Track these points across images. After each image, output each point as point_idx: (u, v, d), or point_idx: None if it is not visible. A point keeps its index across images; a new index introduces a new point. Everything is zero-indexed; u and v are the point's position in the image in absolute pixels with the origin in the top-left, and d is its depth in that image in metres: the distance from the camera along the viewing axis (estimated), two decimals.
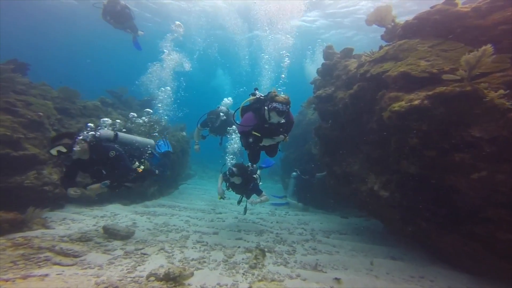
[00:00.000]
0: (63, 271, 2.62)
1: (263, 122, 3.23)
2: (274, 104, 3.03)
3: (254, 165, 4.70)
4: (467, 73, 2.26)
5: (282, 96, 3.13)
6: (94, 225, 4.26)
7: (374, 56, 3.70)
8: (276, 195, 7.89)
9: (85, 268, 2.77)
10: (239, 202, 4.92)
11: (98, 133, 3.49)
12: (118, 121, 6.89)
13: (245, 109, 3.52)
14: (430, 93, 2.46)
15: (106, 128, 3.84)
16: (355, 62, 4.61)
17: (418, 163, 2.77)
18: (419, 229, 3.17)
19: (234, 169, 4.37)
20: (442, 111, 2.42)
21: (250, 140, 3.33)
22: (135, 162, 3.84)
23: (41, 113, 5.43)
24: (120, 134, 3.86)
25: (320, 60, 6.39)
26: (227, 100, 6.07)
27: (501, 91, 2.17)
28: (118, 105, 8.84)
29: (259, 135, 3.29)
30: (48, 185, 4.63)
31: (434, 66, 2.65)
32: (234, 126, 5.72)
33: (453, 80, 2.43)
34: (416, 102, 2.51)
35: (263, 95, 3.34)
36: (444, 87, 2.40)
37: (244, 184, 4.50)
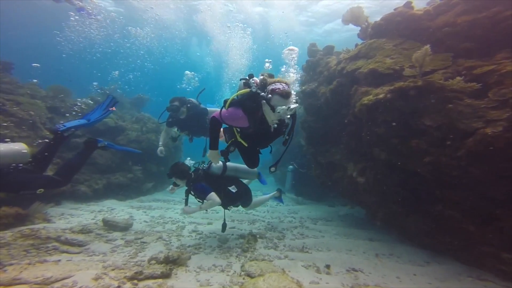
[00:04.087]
0: (72, 258, 2.86)
1: (262, 126, 2.41)
2: (272, 87, 2.23)
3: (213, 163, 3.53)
4: (418, 70, 2.63)
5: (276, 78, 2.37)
6: (93, 219, 4.46)
7: (350, 54, 4.04)
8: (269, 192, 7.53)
9: (91, 255, 3.01)
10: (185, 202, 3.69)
11: None
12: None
13: (233, 103, 2.61)
14: (391, 87, 2.82)
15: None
16: (335, 59, 4.94)
17: (387, 150, 3.14)
18: (390, 211, 3.56)
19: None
20: (402, 103, 2.79)
21: (231, 148, 2.70)
22: None
23: (32, 112, 5.49)
24: None
25: None
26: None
27: (458, 78, 2.56)
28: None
29: (246, 144, 2.59)
30: None
31: (397, 63, 3.01)
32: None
33: (411, 75, 2.79)
34: (381, 96, 2.87)
35: (259, 89, 2.36)
36: (402, 82, 2.77)
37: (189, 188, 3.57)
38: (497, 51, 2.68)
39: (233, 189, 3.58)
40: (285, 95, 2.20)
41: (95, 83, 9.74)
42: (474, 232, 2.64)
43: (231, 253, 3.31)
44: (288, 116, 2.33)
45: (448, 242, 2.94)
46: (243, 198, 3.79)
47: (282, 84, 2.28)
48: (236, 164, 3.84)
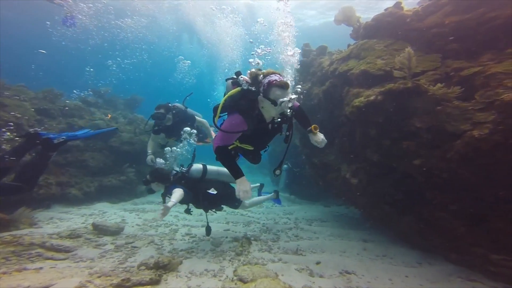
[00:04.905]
0: (56, 265, 2.76)
1: (260, 125, 2.23)
2: (267, 79, 2.08)
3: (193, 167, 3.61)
4: (408, 72, 2.62)
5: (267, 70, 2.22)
6: (83, 223, 4.37)
7: (342, 54, 4.03)
8: (267, 192, 7.52)
9: (78, 262, 2.91)
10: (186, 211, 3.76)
11: None
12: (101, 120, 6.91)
13: (228, 108, 2.33)
14: (382, 89, 2.81)
15: None
16: (327, 59, 4.93)
17: (379, 152, 3.13)
18: (383, 212, 3.56)
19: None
20: (392, 105, 2.78)
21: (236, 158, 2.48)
22: None
23: (18, 115, 5.36)
24: None
25: None
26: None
27: (439, 85, 2.58)
28: (101, 105, 8.76)
29: (251, 148, 2.42)
30: None
31: (387, 64, 3.00)
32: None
33: (401, 77, 2.79)
34: (371, 98, 2.86)
35: (251, 85, 2.17)
36: (392, 84, 2.76)
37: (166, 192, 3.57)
38: (483, 52, 2.69)
39: (212, 191, 3.48)
40: (284, 85, 2.05)
41: (90, 69, 9.50)
42: (464, 233, 2.66)
43: (224, 257, 3.26)
44: (289, 110, 2.14)
45: (440, 243, 2.96)
46: (225, 200, 3.65)
47: (277, 75, 2.13)
48: (218, 167, 3.70)
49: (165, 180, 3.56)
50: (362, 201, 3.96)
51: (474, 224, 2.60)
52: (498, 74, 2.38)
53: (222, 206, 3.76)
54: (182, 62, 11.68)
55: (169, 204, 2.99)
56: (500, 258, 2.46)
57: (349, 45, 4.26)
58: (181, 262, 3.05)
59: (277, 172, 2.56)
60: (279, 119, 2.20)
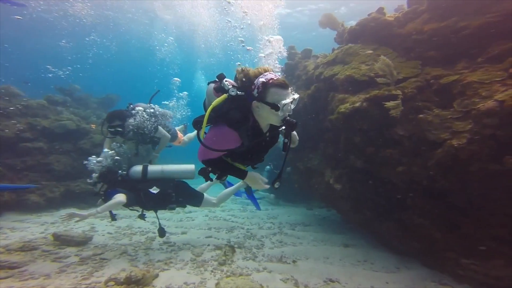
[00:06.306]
0: None
1: (258, 138, 1.83)
2: (261, 79, 1.68)
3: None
4: (391, 78, 2.67)
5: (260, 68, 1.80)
6: (42, 233, 3.88)
7: (327, 58, 4.06)
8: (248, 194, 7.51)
9: (26, 279, 2.49)
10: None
11: None
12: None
13: (211, 122, 1.86)
14: (367, 95, 2.84)
15: None
16: (312, 63, 4.96)
17: (362, 158, 3.16)
18: (364, 218, 3.60)
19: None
20: (377, 112, 2.82)
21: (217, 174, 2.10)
22: None
23: None
24: None
25: None
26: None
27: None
28: (70, 103, 8.05)
29: (244, 168, 2.07)
30: None
31: (371, 70, 3.05)
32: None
33: (384, 83, 2.83)
34: (357, 105, 2.88)
35: (238, 89, 1.74)
36: (377, 90, 2.80)
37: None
38: (458, 60, 2.79)
39: (154, 190, 3.31)
40: (284, 84, 1.66)
41: (69, 44, 8.55)
42: (439, 239, 2.75)
43: (205, 268, 3.06)
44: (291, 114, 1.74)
45: (417, 247, 3.03)
46: (175, 198, 3.38)
47: (271, 73, 1.73)
48: (162, 165, 3.52)
49: (109, 182, 3.36)
50: (345, 206, 3.99)
51: (448, 229, 2.70)
52: (474, 83, 2.47)
53: (173, 206, 3.46)
54: (167, 42, 10.86)
55: (92, 212, 2.99)
56: (469, 262, 2.57)
57: (333, 49, 4.31)
58: (157, 275, 2.81)
59: (276, 184, 2.11)
60: (283, 127, 1.78)
